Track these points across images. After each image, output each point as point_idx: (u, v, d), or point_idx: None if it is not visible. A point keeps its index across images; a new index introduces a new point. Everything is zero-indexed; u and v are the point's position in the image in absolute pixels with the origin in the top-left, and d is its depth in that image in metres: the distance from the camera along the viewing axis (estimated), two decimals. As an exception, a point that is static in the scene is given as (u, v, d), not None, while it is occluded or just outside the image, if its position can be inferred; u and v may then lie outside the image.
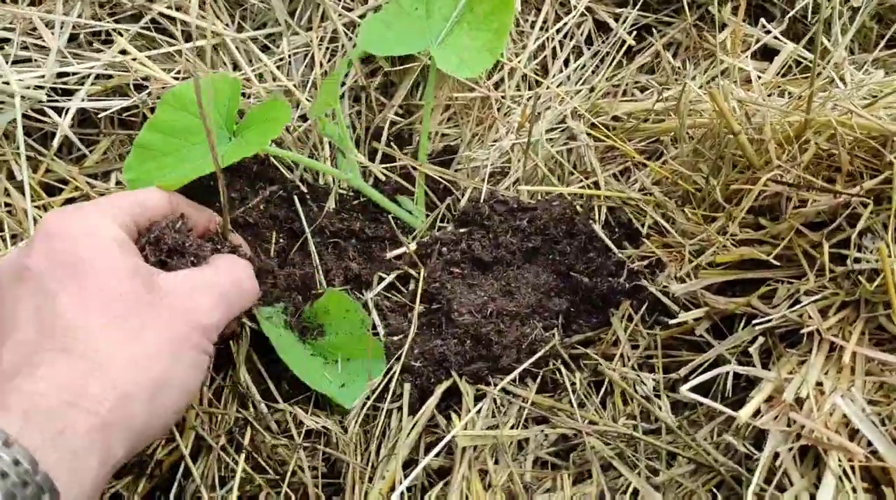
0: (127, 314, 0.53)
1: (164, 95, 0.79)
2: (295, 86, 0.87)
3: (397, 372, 0.73)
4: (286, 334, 0.75)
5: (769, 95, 0.81)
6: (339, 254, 0.82)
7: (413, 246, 0.81)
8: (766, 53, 0.92)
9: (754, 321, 0.64)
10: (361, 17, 0.91)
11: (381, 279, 0.80)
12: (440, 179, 0.88)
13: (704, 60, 0.90)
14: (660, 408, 0.67)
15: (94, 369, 0.49)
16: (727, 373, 0.66)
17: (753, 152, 0.67)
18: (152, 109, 0.84)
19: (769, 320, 0.64)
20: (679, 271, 0.71)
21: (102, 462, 0.48)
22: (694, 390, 0.66)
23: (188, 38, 0.87)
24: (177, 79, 0.84)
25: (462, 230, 0.83)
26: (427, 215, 0.88)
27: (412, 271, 0.80)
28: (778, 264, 0.66)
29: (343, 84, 0.90)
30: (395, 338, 0.76)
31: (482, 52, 0.83)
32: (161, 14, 0.84)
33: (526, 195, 0.84)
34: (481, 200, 0.84)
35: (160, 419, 0.53)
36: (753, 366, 0.65)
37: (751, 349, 0.64)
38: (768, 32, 0.91)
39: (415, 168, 0.87)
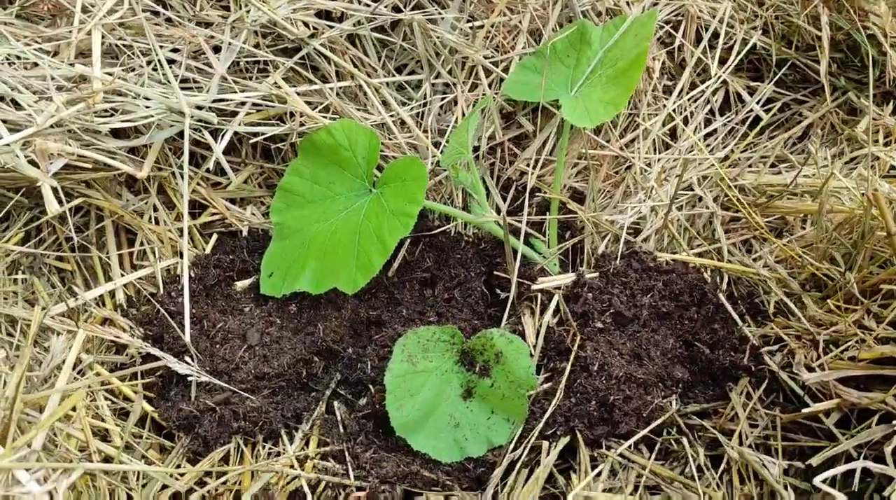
0: None
1: (301, 142, 0.84)
2: (431, 131, 0.91)
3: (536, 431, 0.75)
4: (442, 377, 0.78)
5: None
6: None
7: (570, 278, 0.83)
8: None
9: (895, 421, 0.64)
10: (505, 70, 0.93)
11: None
12: (566, 226, 0.91)
13: (843, 145, 0.90)
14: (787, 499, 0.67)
15: None
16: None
17: (904, 253, 0.68)
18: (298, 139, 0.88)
19: (907, 422, 0.64)
20: (811, 359, 0.71)
21: None
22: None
23: (339, 76, 0.91)
24: (324, 116, 0.87)
25: (604, 280, 0.84)
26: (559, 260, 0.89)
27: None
28: (919, 366, 0.66)
29: (480, 137, 0.92)
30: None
31: (608, 105, 0.83)
32: (315, 51, 0.88)
33: (660, 258, 0.85)
34: (618, 255, 0.86)
35: None
36: (886, 464, 0.64)
37: (886, 448, 0.64)
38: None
39: (546, 213, 0.89)
